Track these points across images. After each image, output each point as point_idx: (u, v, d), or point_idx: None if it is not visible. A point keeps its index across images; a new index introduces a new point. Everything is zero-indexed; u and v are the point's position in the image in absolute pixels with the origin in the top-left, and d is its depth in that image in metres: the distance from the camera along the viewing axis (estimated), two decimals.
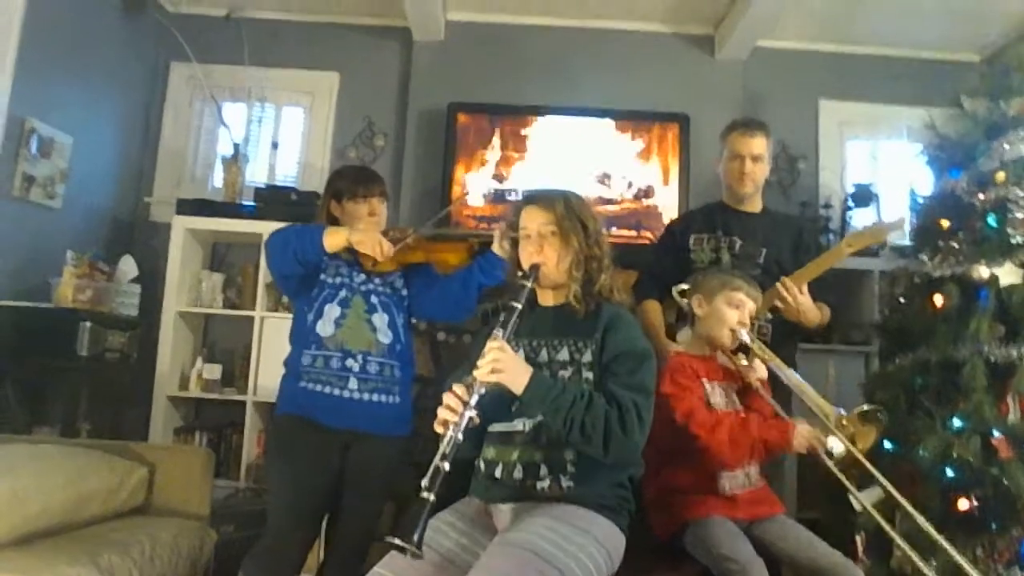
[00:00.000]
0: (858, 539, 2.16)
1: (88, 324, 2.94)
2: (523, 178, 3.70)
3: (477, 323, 3.35)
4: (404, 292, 2.28)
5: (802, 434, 1.94)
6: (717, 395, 2.07)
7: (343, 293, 2.18)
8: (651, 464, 1.85)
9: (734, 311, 2.08)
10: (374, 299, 2.20)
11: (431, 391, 3.34)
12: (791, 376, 2.09)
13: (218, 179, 3.94)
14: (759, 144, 2.50)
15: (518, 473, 1.65)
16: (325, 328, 2.14)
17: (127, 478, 2.36)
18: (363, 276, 2.22)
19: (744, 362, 2.11)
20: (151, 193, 3.98)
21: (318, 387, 2.11)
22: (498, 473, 1.68)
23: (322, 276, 2.20)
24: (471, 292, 2.19)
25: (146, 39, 3.86)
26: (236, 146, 3.76)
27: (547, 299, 1.79)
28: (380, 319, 2.19)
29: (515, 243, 1.81)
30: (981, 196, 2.45)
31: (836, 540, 1.96)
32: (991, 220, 2.43)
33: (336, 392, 2.11)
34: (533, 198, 1.79)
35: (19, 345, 2.88)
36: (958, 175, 2.54)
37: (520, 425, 1.68)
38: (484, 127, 3.78)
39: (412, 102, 3.94)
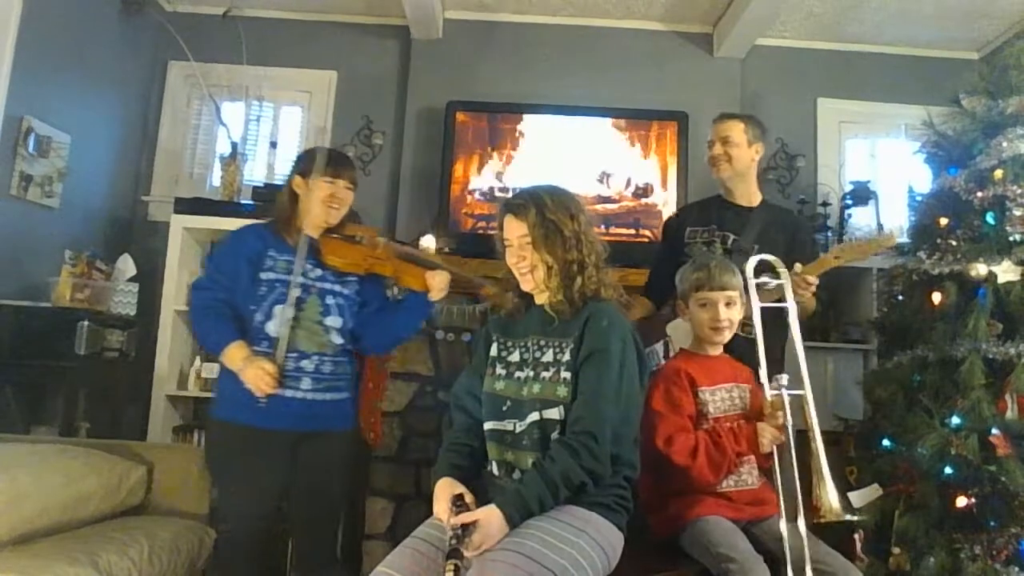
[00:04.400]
0: (856, 538, 2.16)
1: (86, 323, 2.93)
2: (522, 176, 3.69)
3: (476, 321, 3.36)
4: (357, 298, 2.19)
5: (765, 435, 1.93)
6: (718, 400, 2.05)
7: (296, 293, 2.07)
8: (649, 464, 1.85)
9: (705, 312, 2.07)
10: (330, 300, 2.12)
11: (430, 390, 3.38)
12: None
13: (216, 178, 3.93)
14: (729, 127, 2.48)
15: (516, 474, 1.66)
16: (277, 329, 2.05)
17: (126, 477, 2.35)
18: (319, 272, 2.13)
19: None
20: (149, 192, 3.98)
21: None
22: (496, 471, 1.71)
23: (271, 275, 2.08)
24: (395, 324, 2.22)
25: (144, 38, 3.85)
26: (234, 145, 3.76)
27: (541, 298, 1.80)
28: (334, 321, 2.12)
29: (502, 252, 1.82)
30: (979, 194, 2.46)
31: (834, 539, 1.96)
32: (989, 218, 2.43)
33: (288, 393, 2.02)
34: (508, 207, 1.77)
35: (17, 345, 2.88)
36: (956, 173, 2.55)
37: (511, 425, 1.69)
38: (482, 125, 3.78)
39: (410, 100, 3.94)
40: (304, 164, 2.17)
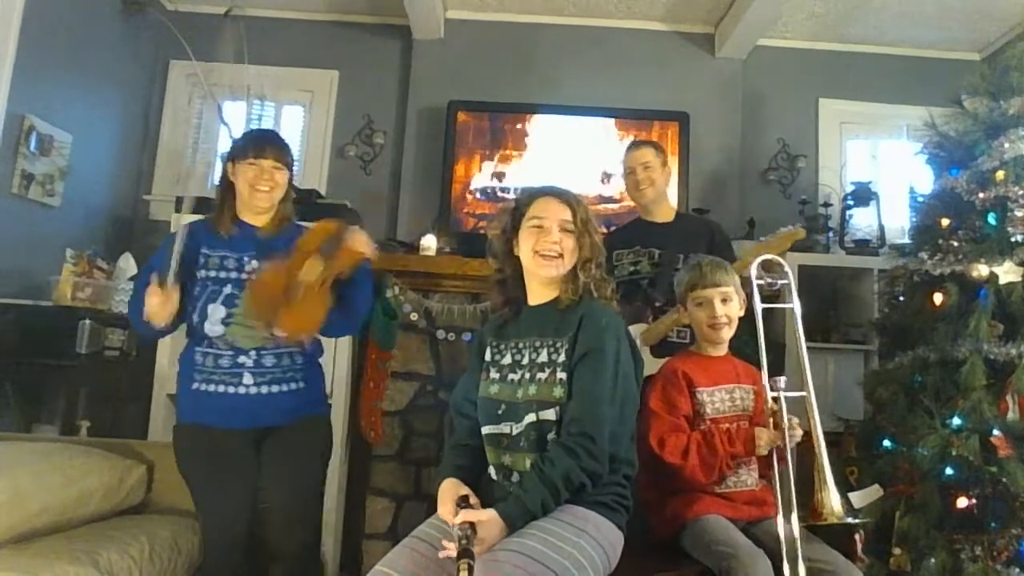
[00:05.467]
0: (856, 538, 2.16)
1: (87, 322, 2.93)
2: (523, 177, 3.69)
3: (476, 322, 3.36)
4: None
5: (762, 438, 1.94)
6: (717, 401, 2.06)
7: (228, 289, 2.00)
8: (647, 463, 1.85)
9: (702, 311, 2.09)
10: None
11: (430, 389, 3.38)
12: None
13: (217, 177, 3.93)
14: (645, 154, 2.70)
15: (515, 477, 1.66)
16: (213, 328, 1.99)
17: (126, 476, 2.35)
18: (256, 263, 2.03)
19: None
20: (150, 191, 3.98)
21: (211, 387, 1.99)
22: (494, 475, 1.71)
23: (201, 272, 2.01)
24: (355, 303, 2.09)
25: (145, 37, 3.85)
26: None
27: (536, 298, 1.79)
28: None
29: (507, 238, 1.80)
30: (981, 195, 2.45)
31: (835, 539, 1.96)
32: (991, 219, 2.43)
33: (231, 390, 1.98)
34: (552, 191, 1.79)
35: (18, 343, 2.87)
36: (958, 174, 2.55)
37: (507, 428, 1.69)
38: (484, 125, 3.78)
39: (412, 100, 3.94)
40: (232, 150, 2.10)
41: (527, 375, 1.70)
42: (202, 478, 2.03)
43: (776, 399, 1.91)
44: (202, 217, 2.15)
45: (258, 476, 2.04)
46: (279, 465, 2.04)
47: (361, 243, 2.02)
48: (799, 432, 1.92)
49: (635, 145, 2.83)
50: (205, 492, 2.04)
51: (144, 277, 2.00)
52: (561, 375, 1.65)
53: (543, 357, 1.70)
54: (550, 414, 1.63)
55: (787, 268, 2.04)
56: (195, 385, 2.01)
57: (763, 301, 2.01)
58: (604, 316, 1.69)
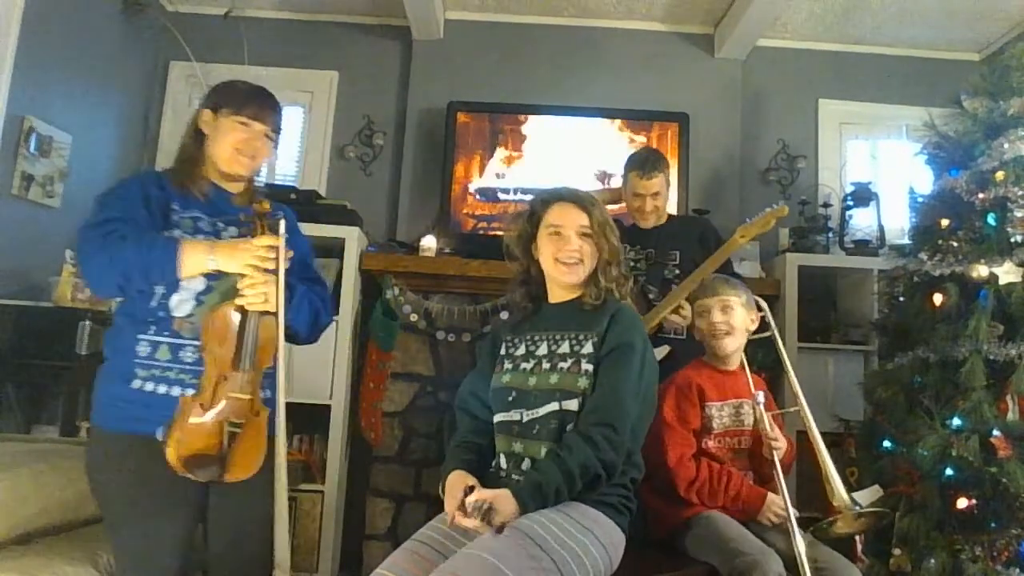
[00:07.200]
0: (856, 539, 2.16)
1: (87, 323, 2.93)
2: (523, 177, 3.69)
3: (476, 322, 3.36)
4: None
5: (771, 510, 1.97)
6: (724, 415, 2.09)
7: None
8: (651, 465, 1.85)
9: (703, 320, 2.15)
10: None
11: (430, 390, 3.38)
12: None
13: None
14: (656, 183, 2.71)
15: (525, 465, 1.66)
16: (181, 306, 1.56)
17: None
18: (234, 230, 1.66)
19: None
20: None
21: (161, 388, 1.54)
22: (504, 464, 1.71)
23: (176, 232, 1.61)
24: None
25: (145, 38, 3.85)
26: None
27: (557, 296, 1.82)
28: None
29: (525, 242, 1.82)
30: (980, 195, 2.45)
31: (835, 540, 1.96)
32: (990, 219, 2.43)
33: (189, 393, 1.54)
34: (566, 196, 1.80)
35: (18, 344, 2.87)
36: (957, 174, 2.55)
37: (518, 415, 1.70)
38: (484, 126, 3.78)
39: (411, 101, 3.94)
40: (217, 96, 1.72)
41: (546, 364, 1.71)
42: (136, 508, 1.58)
43: (758, 414, 2.03)
44: (158, 170, 1.82)
45: (203, 510, 1.65)
46: (229, 510, 1.65)
47: (255, 297, 1.56)
48: (782, 443, 2.01)
49: (645, 170, 2.69)
50: (132, 526, 1.59)
51: (123, 199, 1.64)
52: (587, 366, 1.66)
53: (564, 348, 1.71)
54: (573, 404, 1.64)
55: (764, 305, 2.21)
56: (136, 383, 1.56)
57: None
58: (632, 316, 1.73)
